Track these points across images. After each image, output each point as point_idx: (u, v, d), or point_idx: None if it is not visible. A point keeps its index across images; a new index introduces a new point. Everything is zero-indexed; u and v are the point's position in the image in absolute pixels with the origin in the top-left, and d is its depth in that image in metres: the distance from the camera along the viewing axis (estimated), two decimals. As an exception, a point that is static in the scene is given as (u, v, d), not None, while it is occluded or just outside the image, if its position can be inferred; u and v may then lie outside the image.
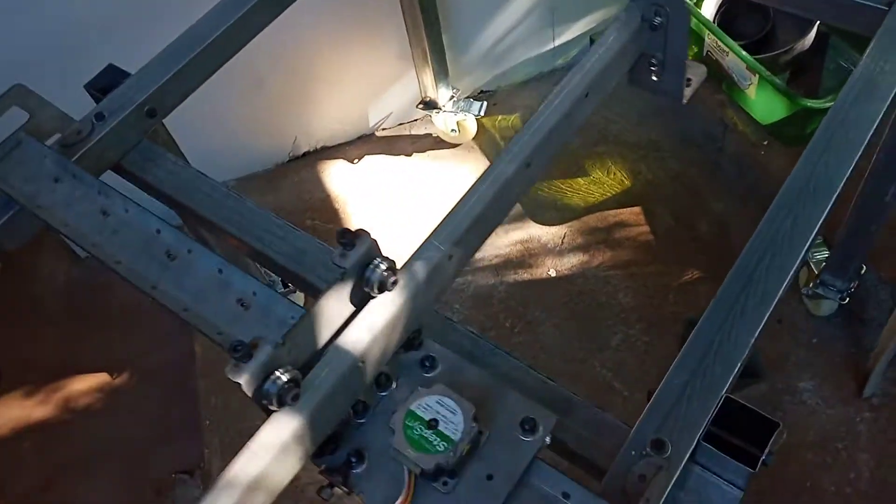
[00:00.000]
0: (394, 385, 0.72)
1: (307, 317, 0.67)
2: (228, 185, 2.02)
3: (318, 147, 2.08)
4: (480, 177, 0.87)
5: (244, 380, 0.60)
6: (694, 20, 1.82)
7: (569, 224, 1.82)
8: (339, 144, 2.08)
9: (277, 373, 0.62)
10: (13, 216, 0.97)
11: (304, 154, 2.07)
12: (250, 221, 1.02)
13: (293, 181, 2.03)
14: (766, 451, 0.70)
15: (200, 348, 1.73)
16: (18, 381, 1.75)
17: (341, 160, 2.05)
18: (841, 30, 1.81)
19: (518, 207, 1.87)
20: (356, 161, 2.04)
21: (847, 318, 1.56)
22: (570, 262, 1.76)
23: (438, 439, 0.66)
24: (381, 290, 0.69)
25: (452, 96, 1.91)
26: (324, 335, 0.69)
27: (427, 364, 0.73)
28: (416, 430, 0.66)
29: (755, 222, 1.75)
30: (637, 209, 1.84)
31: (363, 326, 0.69)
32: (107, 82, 1.12)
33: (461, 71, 2.01)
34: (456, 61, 1.95)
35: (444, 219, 0.83)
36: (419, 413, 0.67)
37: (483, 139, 2.02)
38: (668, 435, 0.71)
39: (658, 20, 0.99)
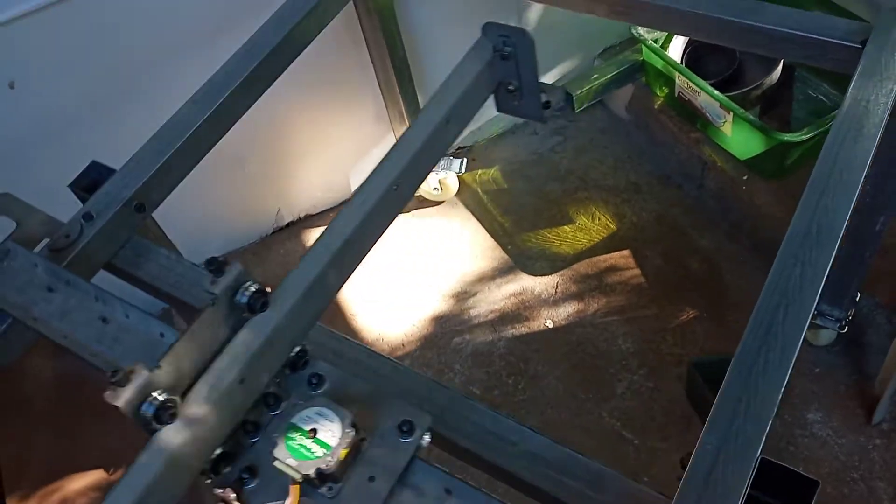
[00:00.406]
0: (283, 404, 0.76)
1: (181, 341, 0.70)
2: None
3: (302, 216, 2.07)
4: (350, 199, 0.96)
5: (122, 403, 0.64)
6: (662, 62, 1.86)
7: (560, 273, 1.82)
8: (323, 212, 2.07)
9: (154, 394, 0.66)
10: (7, 329, 0.94)
11: (289, 224, 2.06)
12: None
13: (279, 253, 2.01)
14: (810, 511, 0.69)
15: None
16: (13, 486, 1.68)
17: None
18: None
19: (508, 260, 1.86)
20: (340, 227, 2.03)
21: (847, 345, 1.56)
22: (566, 311, 1.75)
23: (318, 446, 0.71)
24: (252, 312, 0.74)
25: (432, 156, 1.92)
26: (201, 358, 0.72)
27: (314, 381, 0.78)
28: (297, 440, 0.71)
29: (743, 256, 1.77)
30: (626, 252, 1.85)
31: (238, 347, 0.74)
32: (91, 180, 1.11)
33: (438, 130, 2.02)
34: (432, 121, 1.96)
35: (318, 239, 0.90)
36: (299, 424, 0.72)
37: (465, 195, 2.02)
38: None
39: (507, 50, 1.10)
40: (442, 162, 1.93)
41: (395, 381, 0.91)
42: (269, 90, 1.26)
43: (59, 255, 1.00)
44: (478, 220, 1.96)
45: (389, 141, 1.97)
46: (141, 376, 0.65)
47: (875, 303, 1.56)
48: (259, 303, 0.74)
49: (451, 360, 1.70)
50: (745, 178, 1.79)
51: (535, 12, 1.89)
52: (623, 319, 1.72)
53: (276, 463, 0.71)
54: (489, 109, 2.05)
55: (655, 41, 1.90)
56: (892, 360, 1.39)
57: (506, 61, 1.13)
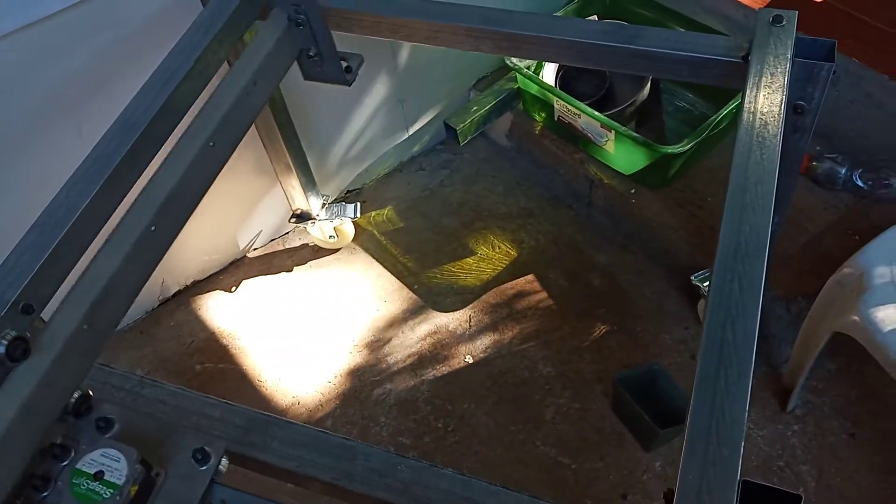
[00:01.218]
0: (73, 453, 0.74)
1: None
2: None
3: (189, 283, 1.94)
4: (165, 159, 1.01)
5: None
6: (538, 88, 1.90)
7: (471, 306, 1.81)
8: (212, 275, 1.96)
9: None
10: None
11: (175, 294, 1.93)
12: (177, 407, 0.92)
13: (169, 326, 1.88)
14: (799, 527, 0.70)
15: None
16: None
17: (217, 291, 1.93)
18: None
19: (417, 299, 1.83)
20: (234, 289, 1.93)
21: (752, 339, 1.64)
22: (483, 343, 1.74)
23: (105, 488, 0.70)
24: (14, 360, 0.72)
25: (324, 203, 1.86)
26: None
27: (102, 425, 0.77)
28: (83, 486, 0.70)
29: (641, 266, 1.82)
30: (530, 276, 1.86)
31: (5, 399, 0.71)
32: (-37, 283, 0.98)
33: (327, 176, 1.97)
34: (320, 168, 1.91)
35: (115, 230, 0.92)
36: (84, 469, 0.72)
37: (363, 238, 1.97)
38: (701, 536, 0.69)
39: (300, 17, 1.26)
40: (335, 208, 1.87)
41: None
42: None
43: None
44: (379, 262, 1.92)
45: (276, 193, 1.90)
46: None
47: (772, 296, 1.65)
48: (18, 350, 0.72)
49: (376, 413, 1.64)
50: (632, 191, 1.85)
51: (409, 51, 1.89)
52: (539, 344, 1.73)
53: None
54: (374, 148, 2.04)
55: (528, 68, 1.94)
56: (799, 352, 1.47)
57: (301, 28, 1.28)
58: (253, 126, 1.67)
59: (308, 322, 1.83)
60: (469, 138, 2.03)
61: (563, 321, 1.77)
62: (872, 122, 1.73)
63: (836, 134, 1.81)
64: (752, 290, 0.85)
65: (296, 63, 1.41)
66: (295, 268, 1.96)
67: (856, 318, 1.19)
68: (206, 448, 0.73)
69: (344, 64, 1.42)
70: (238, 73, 1.18)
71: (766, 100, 1.03)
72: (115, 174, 1.07)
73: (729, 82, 1.16)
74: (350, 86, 1.43)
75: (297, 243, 2.01)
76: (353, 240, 1.96)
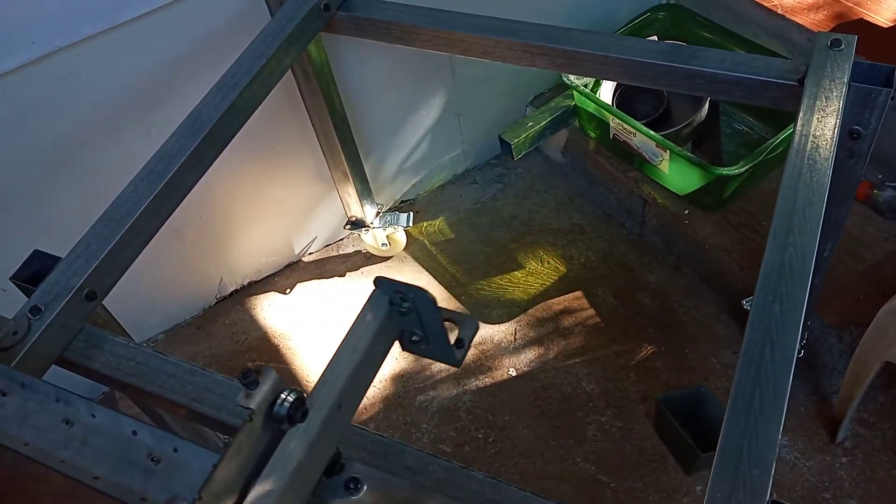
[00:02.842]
0: None
1: (221, 467, 0.63)
2: (157, 339, 1.93)
3: (245, 283, 2.00)
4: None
5: None
6: (594, 106, 1.91)
7: (517, 319, 1.82)
8: (267, 277, 2.02)
9: None
10: (-45, 442, 0.86)
11: (232, 293, 1.99)
12: (221, 396, 0.96)
13: (224, 324, 1.94)
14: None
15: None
16: None
17: (272, 293, 1.99)
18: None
19: (464, 310, 1.85)
20: (288, 291, 1.98)
21: (802, 367, 1.61)
22: (528, 357, 1.75)
23: None
24: (292, 423, 0.68)
25: (378, 211, 1.90)
26: (241, 479, 0.66)
27: (352, 486, 0.73)
28: None
29: (692, 288, 1.81)
30: (578, 293, 1.86)
31: (280, 463, 0.68)
32: (35, 270, 1.04)
33: (382, 185, 2.01)
34: (376, 177, 1.96)
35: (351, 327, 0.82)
36: None
37: (413, 248, 2.01)
38: (729, 555, 0.69)
39: (406, 305, 0.91)
40: (388, 217, 1.91)
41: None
42: (207, 158, 1.22)
43: (8, 355, 0.93)
44: (429, 272, 1.94)
45: (332, 200, 1.95)
46: None
47: (823, 325, 1.61)
48: (299, 413, 0.67)
49: (418, 420, 1.66)
50: (686, 212, 1.83)
51: (467, 66, 1.92)
52: (584, 361, 1.72)
53: None
54: (429, 160, 2.07)
55: (585, 86, 1.95)
56: (849, 382, 1.43)
57: (405, 316, 0.95)
58: (313, 131, 1.73)
59: (356, 327, 1.86)
60: (523, 153, 2.04)
61: (610, 339, 1.76)
62: (939, 151, 1.69)
63: (900, 162, 1.77)
64: (794, 311, 0.84)
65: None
66: (347, 273, 2.00)
67: (908, 349, 1.16)
68: None
69: (454, 337, 0.99)
70: (343, 361, 0.84)
71: (820, 123, 1.02)
72: (179, 172, 1.13)
73: (784, 104, 1.15)
74: (460, 366, 1.05)
75: (351, 250, 2.05)
76: (405, 249, 2.00)
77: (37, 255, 1.06)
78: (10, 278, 1.04)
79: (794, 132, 1.03)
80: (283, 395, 0.67)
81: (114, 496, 0.76)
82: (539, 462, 1.57)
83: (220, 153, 1.22)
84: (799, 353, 1.53)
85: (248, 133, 1.28)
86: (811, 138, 1.01)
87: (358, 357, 0.86)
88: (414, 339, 0.94)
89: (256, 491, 0.65)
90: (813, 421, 1.55)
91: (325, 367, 0.79)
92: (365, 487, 0.72)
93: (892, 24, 1.66)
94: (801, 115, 1.04)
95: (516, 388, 1.69)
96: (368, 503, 0.68)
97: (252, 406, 0.64)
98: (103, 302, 1.16)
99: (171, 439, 0.80)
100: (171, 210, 1.14)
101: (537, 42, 1.26)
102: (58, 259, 1.04)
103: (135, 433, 0.81)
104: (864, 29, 1.69)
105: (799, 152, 1.00)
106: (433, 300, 0.91)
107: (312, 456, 0.70)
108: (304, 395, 0.70)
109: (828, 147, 0.99)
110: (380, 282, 0.93)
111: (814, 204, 0.94)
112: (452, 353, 0.95)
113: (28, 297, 1.00)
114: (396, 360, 1.78)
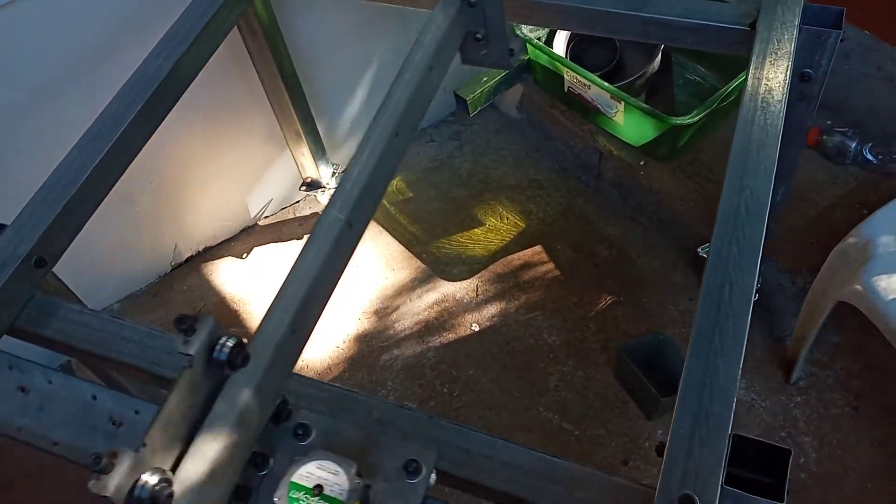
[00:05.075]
0: (271, 462, 0.70)
1: (162, 412, 0.63)
2: (113, 308, 1.88)
3: (201, 249, 1.97)
4: (355, 153, 0.94)
5: (111, 491, 0.57)
6: (549, 59, 1.90)
7: (478, 275, 1.82)
8: (223, 242, 1.98)
9: (145, 476, 0.59)
10: None
11: (188, 260, 1.96)
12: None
13: (181, 290, 1.91)
14: (788, 479, 0.71)
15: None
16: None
17: (228, 257, 1.95)
18: (683, 49, 1.95)
19: (425, 268, 1.85)
20: (245, 255, 1.95)
21: (756, 311, 1.64)
22: (490, 312, 1.76)
23: None
24: (233, 368, 0.68)
25: (334, 172, 1.88)
26: (185, 425, 0.66)
27: (300, 432, 0.72)
28: (303, 501, 0.65)
29: (649, 239, 1.83)
30: (538, 248, 1.87)
31: (224, 408, 0.68)
32: (-21, 238, 1.00)
33: (337, 144, 1.98)
34: (330, 136, 1.92)
35: (294, 264, 0.85)
36: (301, 483, 0.66)
37: (371, 208, 1.99)
38: (691, 488, 0.70)
39: None
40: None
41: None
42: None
43: (-45, 326, 0.90)
44: (389, 232, 1.93)
45: (286, 161, 1.91)
46: (127, 458, 0.58)
47: (777, 269, 1.65)
48: (239, 358, 0.67)
49: (383, 378, 1.67)
50: (641, 163, 1.85)
51: (419, 20, 1.88)
52: (545, 313, 1.74)
53: None
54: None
55: (539, 38, 1.94)
56: (803, 323, 1.47)
57: (473, 9, 1.17)
58: (262, 91, 1.69)
59: (317, 289, 1.85)
60: (479, 109, 2.03)
61: (570, 292, 1.78)
62: (884, 96, 1.72)
63: (847, 108, 1.80)
64: (751, 252, 0.86)
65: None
66: (305, 236, 1.98)
67: (858, 286, 1.20)
68: (418, 458, 0.68)
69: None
70: (416, 61, 1.05)
71: (772, 66, 1.03)
72: (126, 133, 1.09)
73: (738, 49, 1.16)
74: (511, 70, 1.33)
75: (308, 212, 2.02)
76: (363, 209, 1.97)
77: (-20, 222, 1.02)
78: (-47, 248, 0.99)
79: (746, 76, 1.03)
80: (221, 341, 0.67)
81: (75, 461, 0.75)
82: (504, 413, 1.59)
83: (168, 113, 1.18)
84: (754, 297, 1.57)
85: (196, 94, 1.25)
86: (764, 81, 1.02)
87: (430, 50, 1.07)
88: (478, 36, 1.21)
89: (201, 437, 0.65)
90: (768, 363, 1.60)
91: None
92: (314, 433, 0.72)
93: (839, -30, 1.67)
94: (753, 58, 1.05)
95: (479, 343, 1.71)
96: (318, 448, 0.68)
97: (191, 352, 0.64)
98: (55, 271, 1.13)
99: (132, 402, 0.78)
100: (119, 173, 1.11)
101: (490, -9, 1.24)
102: (3, 226, 1.00)
103: (94, 397, 0.79)
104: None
105: (752, 96, 1.01)
106: None
107: (257, 400, 0.70)
108: (244, 340, 0.70)
109: (780, 89, 1.00)
110: None
111: (768, 146, 0.95)
112: (507, 56, 1.23)
113: (-27, 266, 0.97)
114: (360, 319, 1.78)
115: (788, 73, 1.02)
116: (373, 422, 0.83)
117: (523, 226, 1.92)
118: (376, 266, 1.87)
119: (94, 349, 0.94)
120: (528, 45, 1.93)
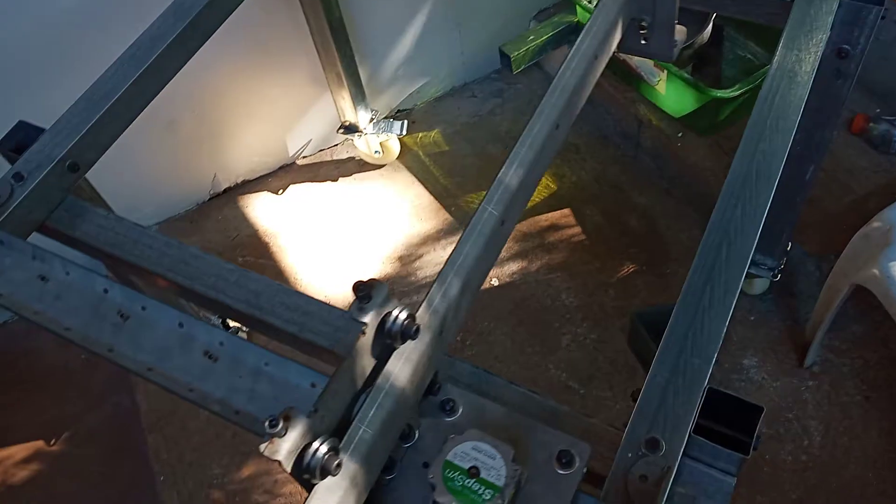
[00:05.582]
0: (416, 435, 0.69)
1: (336, 380, 0.63)
2: (150, 230, 1.96)
3: (239, 182, 2.02)
4: (514, 146, 0.89)
5: (283, 455, 0.57)
6: (598, 22, 1.88)
7: (503, 233, 1.84)
8: (261, 177, 2.04)
9: (316, 444, 0.58)
10: (-63, 294, 0.90)
11: (225, 190, 2.01)
12: (197, 269, 0.99)
13: (217, 219, 1.97)
14: (755, 435, 0.72)
15: (145, 402, 1.65)
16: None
17: (265, 192, 2.01)
18: (736, 22, 1.90)
19: (453, 220, 1.87)
20: (280, 192, 2.00)
21: (779, 293, 1.63)
22: (511, 269, 1.78)
23: (483, 487, 0.63)
24: (403, 340, 0.67)
25: (372, 118, 1.90)
26: (351, 393, 0.66)
27: (448, 408, 0.71)
28: (458, 481, 0.63)
29: (680, 211, 1.82)
30: (567, 211, 1.88)
31: (390, 380, 0.67)
32: (20, 140, 1.06)
33: (377, 91, 2.01)
34: (371, 82, 1.95)
35: (454, 251, 0.81)
36: (457, 462, 0.64)
37: (407, 157, 2.01)
38: (659, 433, 0.72)
39: None
40: (382, 124, 1.91)
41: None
42: (201, 52, 1.22)
43: (-11, 217, 0.95)
44: (421, 182, 1.96)
45: (326, 103, 1.94)
46: (299, 424, 0.58)
47: (804, 252, 1.63)
48: (412, 330, 0.66)
49: (398, 321, 1.71)
50: (679, 135, 1.83)
51: (471, -28, 1.88)
52: (566, 275, 1.75)
53: None
54: (427, 70, 2.06)
55: (589, 1, 1.92)
56: (822, 306, 1.46)
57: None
58: (308, 31, 1.72)
59: (346, 230, 1.89)
60: (523, 67, 2.02)
61: (594, 256, 1.79)
62: (939, 85, 1.67)
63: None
64: (755, 214, 0.86)
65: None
66: (340, 178, 2.02)
67: (876, 271, 1.18)
68: (571, 450, 0.66)
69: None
70: (583, 49, 0.99)
71: (805, 37, 1.01)
72: (161, 57, 1.13)
73: (777, 21, 1.14)
74: (673, 61, 1.22)
75: (345, 156, 2.06)
76: (399, 158, 2.00)
77: (21, 126, 1.08)
78: (-5, 146, 1.05)
79: (778, 46, 1.02)
80: (394, 312, 0.66)
81: (83, 346, 0.80)
82: (513, 366, 1.62)
83: (205, 42, 1.21)
84: (776, 276, 1.56)
85: (240, 28, 1.28)
86: (795, 52, 1.00)
87: (599, 36, 0.98)
88: (643, 23, 1.13)
89: (366, 406, 0.65)
90: (784, 345, 1.58)
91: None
92: (461, 409, 0.71)
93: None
94: (787, 28, 1.03)
95: (497, 298, 1.73)
96: (472, 429, 0.66)
97: (365, 320, 0.63)
98: (91, 181, 1.19)
99: (140, 298, 0.83)
100: (153, 93, 1.15)
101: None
102: (42, 130, 1.05)
103: (106, 291, 0.84)
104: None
105: (781, 66, 1.00)
106: None
107: (420, 373, 0.69)
108: (415, 313, 0.68)
109: (810, 60, 0.99)
110: None
111: (789, 115, 0.94)
112: (671, 47, 1.16)
113: (12, 165, 1.02)
114: (383, 263, 1.81)
115: (822, 45, 1.01)
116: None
117: (555, 188, 1.92)
118: (405, 214, 1.90)
119: (116, 252, 0.99)
120: (577, 6, 1.91)
